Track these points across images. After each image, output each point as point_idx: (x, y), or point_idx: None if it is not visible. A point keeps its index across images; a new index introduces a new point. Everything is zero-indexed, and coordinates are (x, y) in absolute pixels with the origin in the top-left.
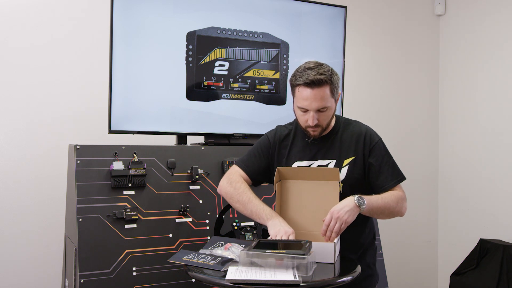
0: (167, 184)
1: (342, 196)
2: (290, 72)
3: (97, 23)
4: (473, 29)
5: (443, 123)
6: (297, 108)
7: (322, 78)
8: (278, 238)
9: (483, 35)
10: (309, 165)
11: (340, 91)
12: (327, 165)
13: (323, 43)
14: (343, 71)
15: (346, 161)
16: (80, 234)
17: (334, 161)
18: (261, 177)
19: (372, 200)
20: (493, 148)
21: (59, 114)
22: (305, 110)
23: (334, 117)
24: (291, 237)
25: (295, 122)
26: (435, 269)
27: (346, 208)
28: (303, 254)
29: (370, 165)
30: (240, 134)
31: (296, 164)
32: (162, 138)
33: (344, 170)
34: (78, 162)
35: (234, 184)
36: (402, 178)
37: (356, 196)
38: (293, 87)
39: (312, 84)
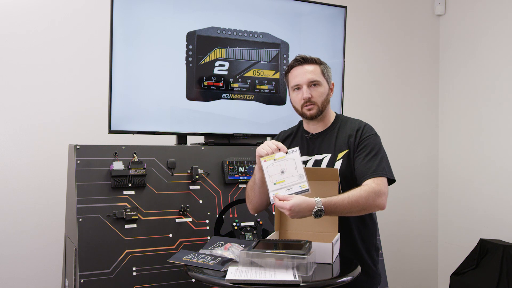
0: (167, 184)
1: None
2: None
3: (97, 23)
4: (473, 29)
5: (443, 123)
6: (292, 91)
7: (311, 57)
8: (264, 147)
9: (483, 35)
10: (307, 160)
11: (333, 81)
12: (322, 159)
13: (323, 43)
14: (343, 71)
15: (340, 155)
16: (80, 234)
17: (330, 155)
18: None
19: (336, 204)
20: (493, 147)
21: (59, 114)
22: (298, 88)
23: (334, 114)
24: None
25: (298, 123)
26: (435, 269)
27: (300, 214)
28: (303, 254)
29: (356, 156)
30: (240, 134)
31: None
32: (162, 138)
33: (338, 164)
34: (78, 162)
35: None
36: (386, 174)
37: (315, 209)
38: (287, 75)
39: (302, 61)
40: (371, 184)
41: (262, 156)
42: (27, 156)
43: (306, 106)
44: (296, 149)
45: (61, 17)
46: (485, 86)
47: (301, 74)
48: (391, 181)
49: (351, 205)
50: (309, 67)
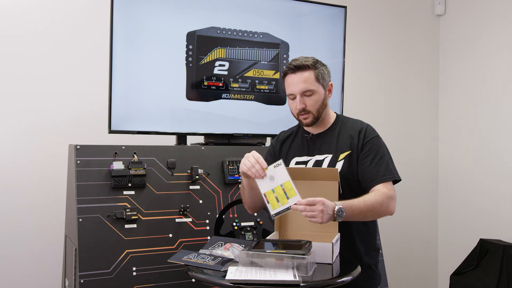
0: (167, 184)
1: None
2: None
3: (97, 23)
4: (473, 29)
5: (443, 123)
6: (288, 98)
7: (304, 64)
8: (244, 161)
9: (483, 35)
10: (307, 161)
11: (331, 82)
12: (323, 160)
13: (323, 43)
14: (343, 71)
15: (342, 156)
16: (80, 234)
17: (331, 155)
18: None
19: (353, 207)
20: (493, 148)
21: (59, 114)
22: (293, 97)
23: (335, 114)
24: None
25: (299, 123)
26: (435, 269)
27: (330, 212)
28: (303, 254)
29: (361, 160)
30: (240, 134)
31: (294, 160)
32: (162, 138)
33: (340, 164)
34: (78, 162)
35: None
36: (394, 177)
37: (337, 208)
38: (283, 80)
39: (295, 69)
40: (383, 190)
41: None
42: (27, 156)
43: (302, 115)
44: (281, 161)
45: (61, 17)
46: (485, 86)
47: (294, 84)
48: (396, 181)
49: (367, 209)
50: (302, 75)
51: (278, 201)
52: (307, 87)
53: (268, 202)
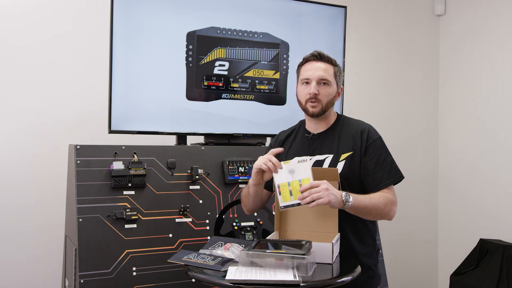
0: (167, 184)
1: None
2: (290, 72)
3: (97, 23)
4: (473, 29)
5: (443, 123)
6: (300, 83)
7: (328, 56)
8: (259, 163)
9: (483, 35)
10: None
11: (342, 86)
12: (324, 160)
13: (323, 43)
14: (343, 71)
15: (343, 156)
16: (80, 234)
17: (332, 156)
18: None
19: (359, 199)
20: (493, 148)
21: (59, 114)
22: (307, 82)
23: (336, 114)
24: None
25: (299, 123)
26: (435, 269)
27: (336, 194)
28: (303, 254)
29: (365, 163)
30: (240, 134)
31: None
32: (162, 138)
33: (341, 165)
34: (78, 162)
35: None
36: (399, 177)
37: (344, 193)
38: (300, 68)
39: (319, 56)
40: (387, 194)
41: (264, 171)
42: (27, 156)
43: (311, 102)
44: (307, 158)
45: (61, 17)
46: (485, 86)
47: (314, 69)
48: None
49: (372, 207)
50: (323, 65)
51: (291, 194)
52: (325, 76)
53: (279, 194)
